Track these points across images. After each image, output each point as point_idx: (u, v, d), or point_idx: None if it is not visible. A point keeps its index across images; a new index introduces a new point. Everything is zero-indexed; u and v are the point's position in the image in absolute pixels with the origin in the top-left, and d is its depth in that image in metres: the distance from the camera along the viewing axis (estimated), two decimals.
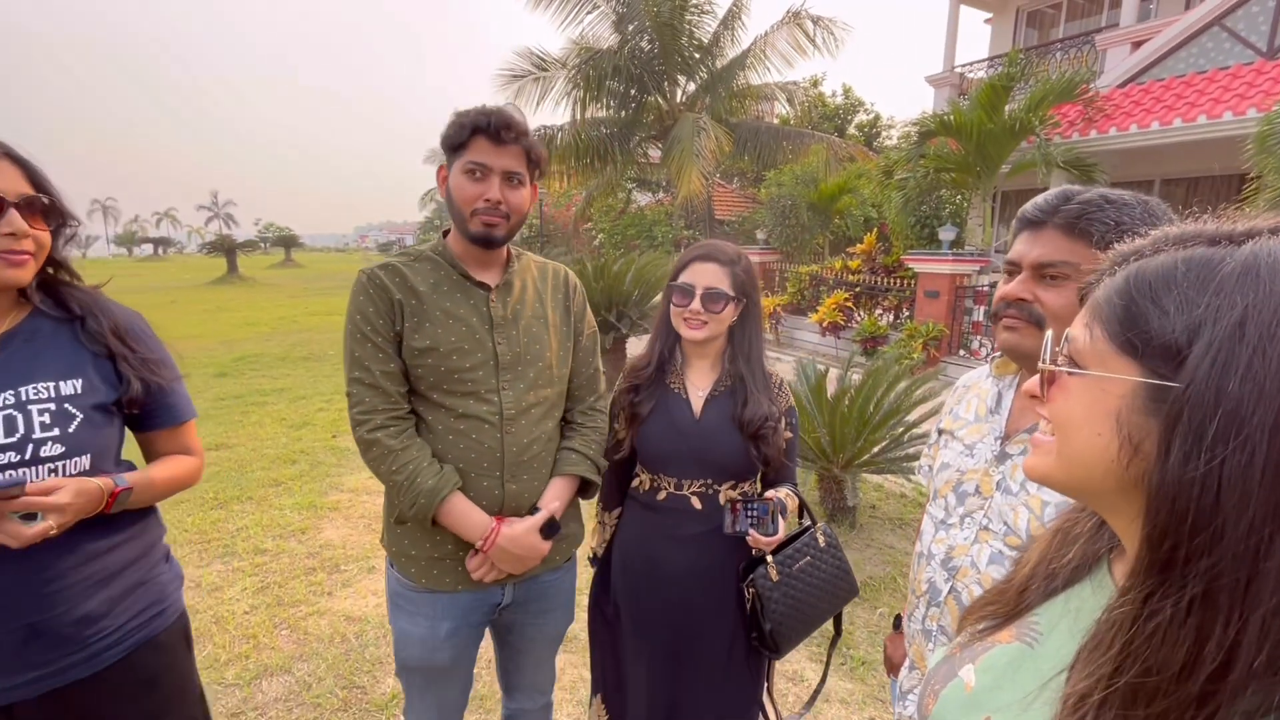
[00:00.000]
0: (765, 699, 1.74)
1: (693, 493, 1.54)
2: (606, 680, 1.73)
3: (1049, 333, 0.54)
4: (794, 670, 2.58)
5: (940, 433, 1.20)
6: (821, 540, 1.57)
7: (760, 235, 12.72)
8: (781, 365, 7.03)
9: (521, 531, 1.36)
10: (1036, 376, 0.55)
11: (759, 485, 1.64)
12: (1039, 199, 0.99)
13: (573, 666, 2.61)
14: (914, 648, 1.15)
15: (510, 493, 1.38)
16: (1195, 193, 9.57)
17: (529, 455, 1.40)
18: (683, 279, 1.53)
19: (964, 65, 12.32)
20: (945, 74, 12.11)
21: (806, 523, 1.62)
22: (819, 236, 12.40)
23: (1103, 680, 0.43)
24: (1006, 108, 8.16)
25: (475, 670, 1.74)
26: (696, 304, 1.50)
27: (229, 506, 4.09)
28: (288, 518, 3.92)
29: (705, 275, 1.52)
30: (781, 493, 1.55)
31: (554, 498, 1.42)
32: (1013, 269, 1.00)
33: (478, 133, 1.30)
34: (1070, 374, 0.50)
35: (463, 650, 1.48)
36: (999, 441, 1.06)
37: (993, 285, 8.00)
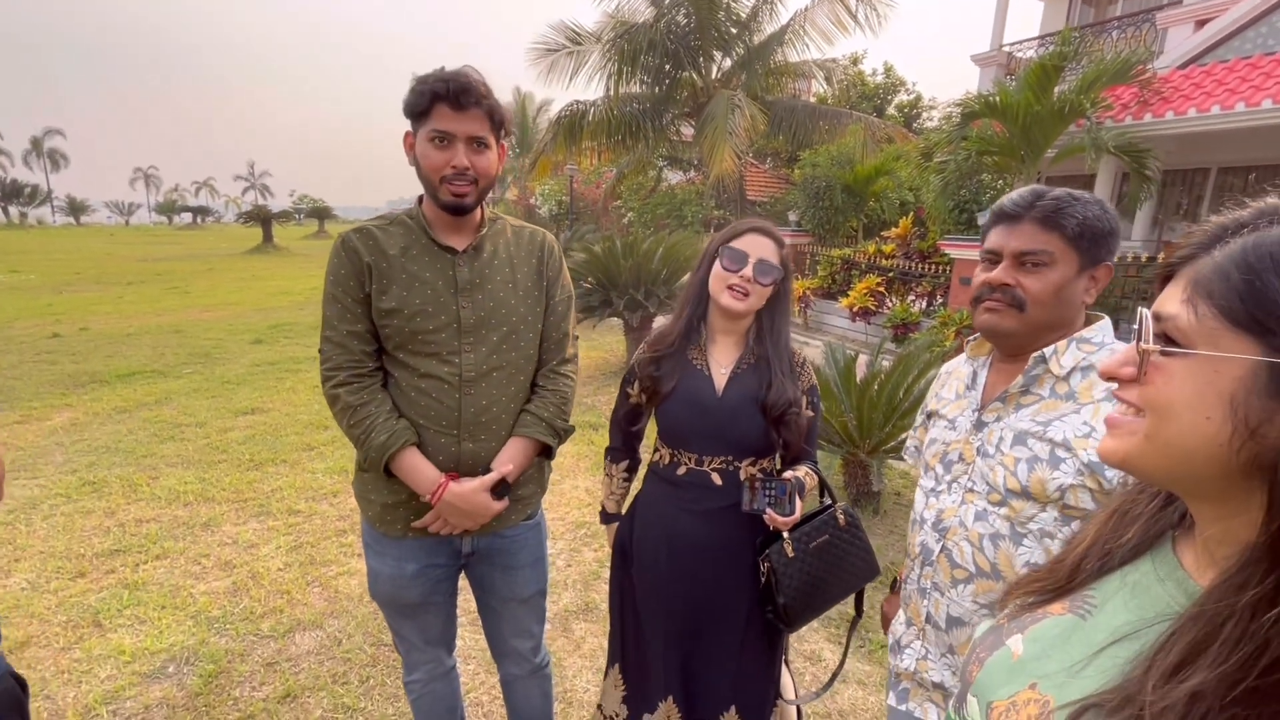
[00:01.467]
0: (783, 674, 1.75)
1: (713, 469, 1.54)
2: (625, 651, 1.76)
3: (1144, 311, 0.50)
4: (812, 650, 2.60)
5: (928, 415, 1.33)
6: (842, 519, 1.56)
7: (792, 217, 12.50)
8: (810, 350, 6.95)
9: (470, 490, 1.41)
10: (1114, 357, 0.53)
11: (779, 462, 1.64)
12: (1014, 195, 1.12)
13: (593, 636, 2.65)
14: (910, 606, 1.27)
15: (466, 451, 1.43)
16: (1256, 181, 9.12)
17: (488, 417, 1.44)
18: (736, 245, 1.51)
19: (1012, 44, 11.83)
20: (992, 53, 11.66)
21: (827, 502, 1.61)
22: (853, 219, 12.15)
23: (1224, 669, 0.41)
24: (1056, 89, 7.83)
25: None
26: (749, 270, 1.49)
27: (264, 468, 4.23)
28: (320, 481, 4.04)
29: (760, 247, 1.51)
30: (801, 471, 1.56)
31: (508, 459, 1.46)
32: (993, 258, 1.12)
33: (438, 99, 1.31)
34: (1177, 354, 0.47)
35: (433, 589, 1.55)
36: (975, 413, 1.18)
37: None
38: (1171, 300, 0.49)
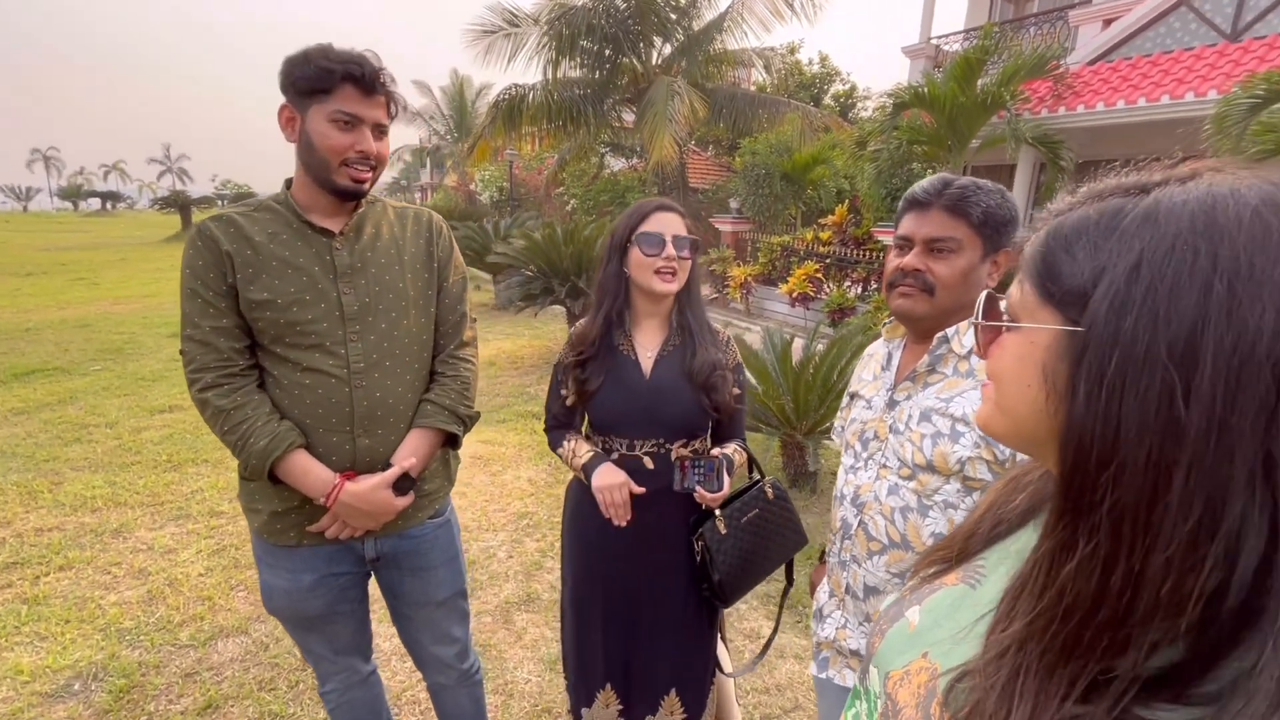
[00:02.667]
0: (719, 651, 1.78)
1: (645, 452, 1.54)
2: (566, 643, 1.75)
3: (984, 293, 0.55)
4: (752, 629, 2.66)
5: (851, 397, 1.37)
6: (770, 493, 1.60)
7: (733, 204, 12.64)
8: (751, 335, 7.08)
9: (368, 488, 1.33)
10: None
11: (709, 443, 1.66)
12: (924, 183, 1.16)
13: (534, 626, 2.64)
14: (832, 577, 1.31)
15: (363, 448, 1.35)
16: None
17: (384, 409, 1.37)
18: (647, 229, 1.50)
19: (940, 37, 12.26)
20: (921, 45, 12.06)
21: (756, 477, 1.65)
22: (792, 207, 12.39)
23: (1031, 617, 0.44)
24: (979, 82, 8.17)
25: None
26: (671, 249, 1.48)
27: (183, 469, 3.99)
28: None
29: (670, 224, 1.51)
30: (729, 449, 1.58)
31: (409, 453, 1.39)
32: (905, 244, 1.17)
33: (348, 80, 1.24)
34: (1005, 328, 0.51)
35: (337, 599, 1.46)
36: (889, 392, 1.22)
37: None
38: (1015, 281, 0.53)
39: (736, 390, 1.63)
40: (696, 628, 1.65)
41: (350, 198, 1.33)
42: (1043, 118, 8.66)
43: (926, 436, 1.12)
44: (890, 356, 1.28)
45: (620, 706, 1.68)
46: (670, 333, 1.59)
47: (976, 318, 0.55)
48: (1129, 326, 0.39)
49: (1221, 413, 0.36)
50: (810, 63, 19.55)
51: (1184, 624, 0.38)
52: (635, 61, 13.49)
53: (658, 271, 1.49)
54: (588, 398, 1.56)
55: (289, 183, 1.37)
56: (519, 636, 2.58)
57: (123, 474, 3.89)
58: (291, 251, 1.31)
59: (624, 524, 1.48)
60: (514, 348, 7.67)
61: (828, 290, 9.57)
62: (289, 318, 1.29)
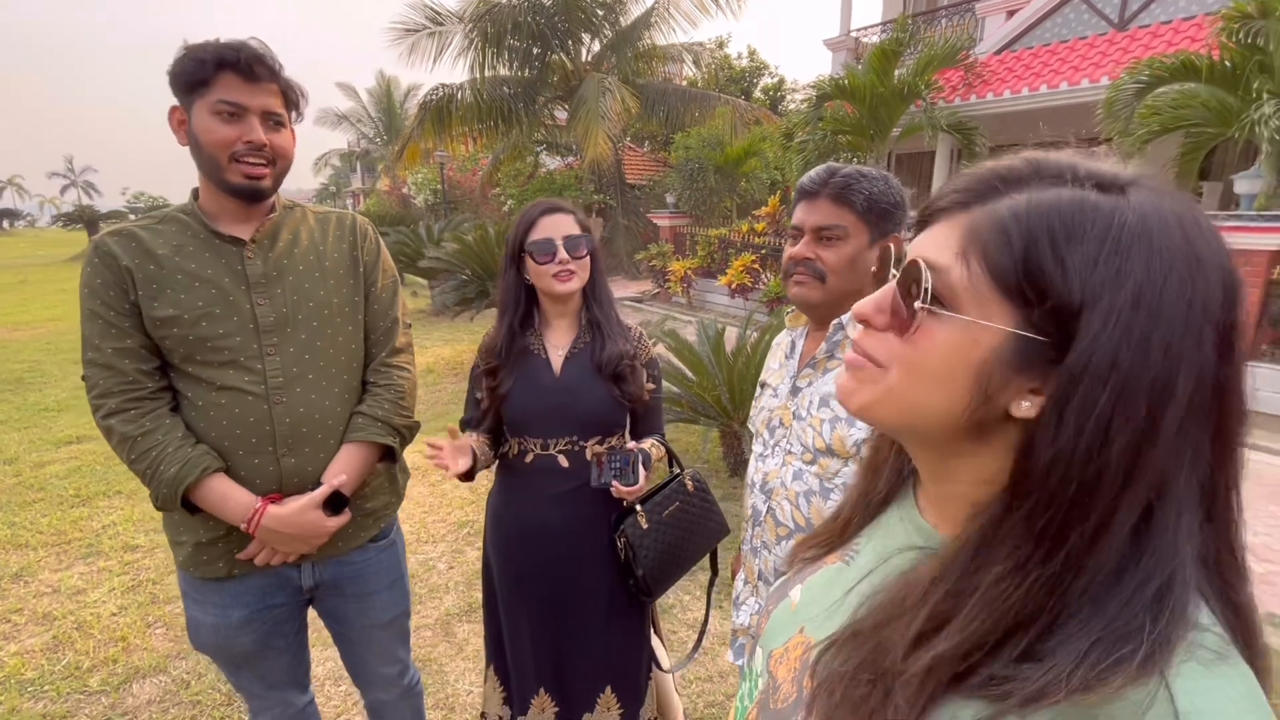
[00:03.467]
0: (654, 645, 1.79)
1: (559, 451, 1.54)
2: (495, 648, 1.73)
3: (921, 264, 0.46)
4: (695, 619, 2.69)
5: (761, 385, 1.37)
6: (690, 485, 1.62)
7: (670, 199, 12.73)
8: (691, 329, 7.14)
9: (294, 511, 1.25)
10: (870, 301, 0.50)
11: (627, 438, 1.67)
12: (811, 173, 1.18)
13: (475, 637, 2.59)
14: (746, 565, 1.34)
15: (289, 468, 1.28)
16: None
17: (310, 426, 1.29)
18: (536, 236, 1.50)
19: (859, 30, 12.66)
20: (842, 38, 12.42)
21: (676, 471, 1.67)
22: (727, 200, 12.56)
23: (963, 641, 0.42)
24: (896, 72, 8.49)
25: None
26: (563, 253, 1.48)
27: (93, 503, 3.74)
28: None
29: (559, 226, 1.51)
30: (646, 444, 1.60)
31: (340, 469, 1.31)
32: (797, 233, 1.19)
33: (225, 68, 1.16)
34: (945, 316, 0.44)
35: (270, 633, 1.38)
36: (792, 379, 1.25)
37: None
38: (943, 249, 0.45)
39: (651, 385, 1.64)
40: (626, 624, 1.65)
41: (249, 197, 1.24)
42: (956, 105, 9.07)
43: (826, 421, 1.15)
44: (794, 345, 1.30)
45: (556, 709, 1.67)
46: (580, 330, 1.59)
47: (917, 296, 0.46)
48: (1126, 360, 0.38)
49: (1177, 441, 0.39)
50: (739, 57, 19.83)
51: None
52: (565, 59, 13.39)
53: (555, 275, 1.49)
54: (501, 400, 1.55)
55: (196, 192, 1.29)
56: (460, 649, 2.53)
57: (23, 513, 3.62)
58: (199, 263, 1.23)
59: (451, 471, 1.42)
60: (452, 353, 7.51)
61: (765, 280, 9.76)
62: (198, 333, 1.21)
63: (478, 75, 12.60)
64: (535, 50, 13.15)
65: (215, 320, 1.22)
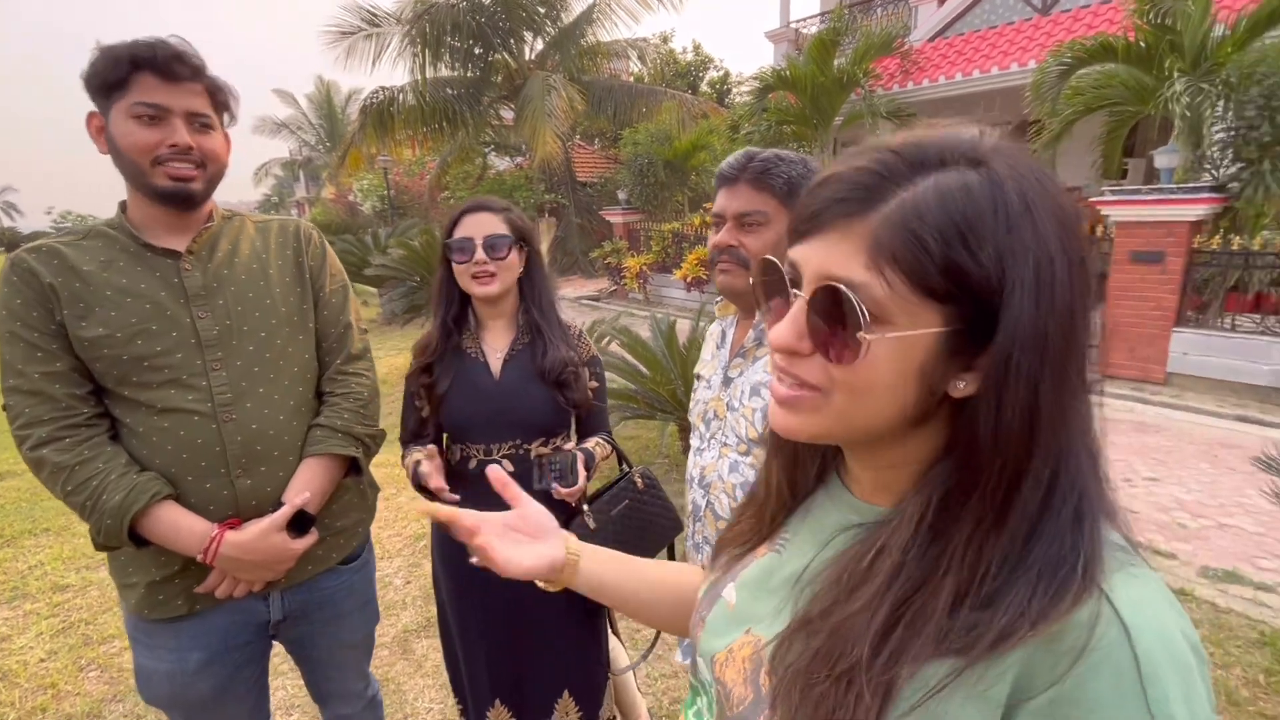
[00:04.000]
0: (614, 645, 1.77)
1: (503, 455, 1.50)
2: (450, 662, 1.69)
3: (850, 294, 0.44)
4: None
5: (697, 378, 1.36)
6: (640, 482, 1.60)
7: (621, 195, 12.70)
8: (647, 325, 7.12)
9: (256, 535, 1.17)
10: (786, 331, 0.48)
11: (573, 438, 1.64)
12: (730, 159, 1.16)
13: (434, 652, 2.53)
14: (689, 561, 1.33)
15: (246, 490, 1.20)
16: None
17: (264, 443, 1.22)
18: (458, 234, 1.46)
19: (799, 21, 12.83)
20: (782, 29, 12.57)
21: (626, 469, 1.64)
22: (678, 194, 12.60)
23: (885, 597, 0.45)
24: (835, 62, 8.63)
25: None
26: (480, 254, 1.44)
27: (18, 543, 3.52)
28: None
29: (481, 225, 1.46)
30: (590, 443, 1.57)
31: (302, 487, 1.23)
32: (719, 221, 1.16)
33: (141, 68, 1.09)
34: (873, 337, 0.44)
35: (232, 678, 1.28)
36: (724, 370, 1.23)
37: None
38: (850, 264, 0.44)
39: (594, 384, 1.61)
40: (579, 627, 1.63)
41: (178, 202, 1.16)
42: (894, 93, 9.28)
43: (757, 410, 1.13)
44: (724, 334, 1.29)
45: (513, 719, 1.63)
46: (519, 332, 1.55)
47: (822, 319, 0.46)
48: (1045, 326, 0.42)
49: (1084, 382, 0.44)
50: (684, 51, 19.92)
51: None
52: (508, 58, 13.22)
53: (473, 276, 1.45)
54: (439, 403, 1.50)
55: (123, 205, 1.20)
56: (419, 665, 2.47)
57: None
58: (130, 278, 1.14)
59: (445, 496, 1.41)
60: (404, 363, 7.30)
61: None
62: (133, 353, 1.12)
63: (418, 77, 12.33)
64: (477, 50, 12.94)
65: (152, 337, 1.14)
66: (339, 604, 1.38)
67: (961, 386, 0.45)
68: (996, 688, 0.40)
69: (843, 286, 0.44)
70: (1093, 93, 6.11)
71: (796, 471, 0.63)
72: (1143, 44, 5.86)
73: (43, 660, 2.54)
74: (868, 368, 0.45)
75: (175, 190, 1.14)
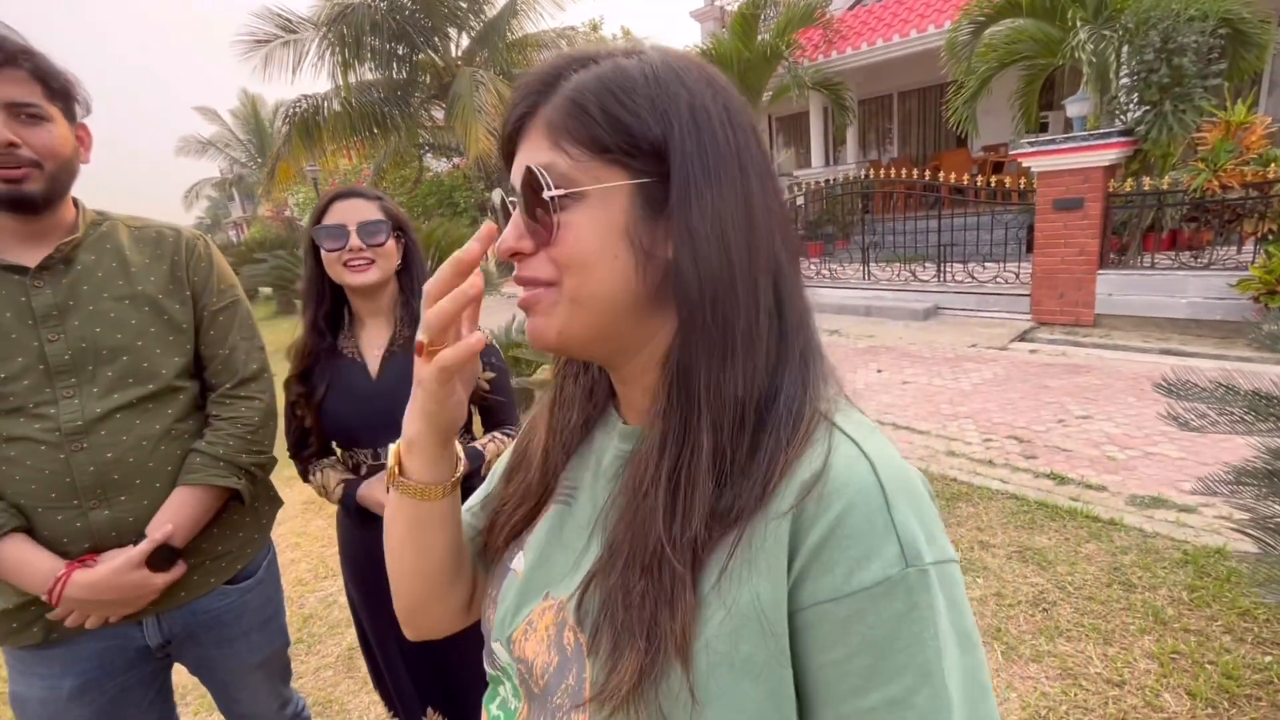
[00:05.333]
0: None
1: None
2: (375, 675, 1.65)
3: (537, 171, 0.47)
4: None
5: None
6: None
7: None
8: None
9: (108, 574, 1.10)
10: (508, 236, 0.50)
11: (477, 434, 1.59)
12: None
13: None
14: None
15: (102, 521, 1.13)
16: (925, 101, 10.97)
17: (122, 471, 1.14)
18: (328, 221, 1.38)
19: None
20: (707, 8, 12.58)
21: None
22: None
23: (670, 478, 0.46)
24: (759, 37, 8.66)
25: None
26: (355, 240, 1.36)
27: None
28: None
29: (353, 211, 1.39)
30: (484, 440, 1.52)
31: (167, 518, 1.17)
32: None
33: None
34: (573, 199, 0.46)
35: (113, 702, 1.21)
36: None
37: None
38: (538, 152, 0.47)
39: (491, 374, 1.56)
40: None
41: (15, 208, 1.06)
42: (820, 63, 9.38)
43: None
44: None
45: None
46: (398, 326, 1.48)
47: (538, 204, 0.47)
48: (710, 162, 0.45)
49: (765, 196, 0.47)
50: (614, 37, 19.76)
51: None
52: (434, 56, 12.89)
53: (346, 264, 1.38)
54: (316, 409, 1.43)
55: None
56: (364, 684, 2.39)
57: None
58: None
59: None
60: None
61: None
62: None
63: (340, 82, 11.95)
64: (400, 50, 12.59)
65: None
66: (230, 625, 1.32)
67: (672, 246, 0.46)
68: (776, 536, 0.43)
69: (531, 166, 0.47)
70: (1004, 48, 6.26)
71: (567, 416, 0.61)
72: None
73: None
74: (574, 238, 0.47)
75: (5, 194, 1.04)
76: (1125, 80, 5.64)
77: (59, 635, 1.15)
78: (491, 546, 0.64)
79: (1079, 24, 5.50)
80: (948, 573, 0.42)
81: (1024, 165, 6.02)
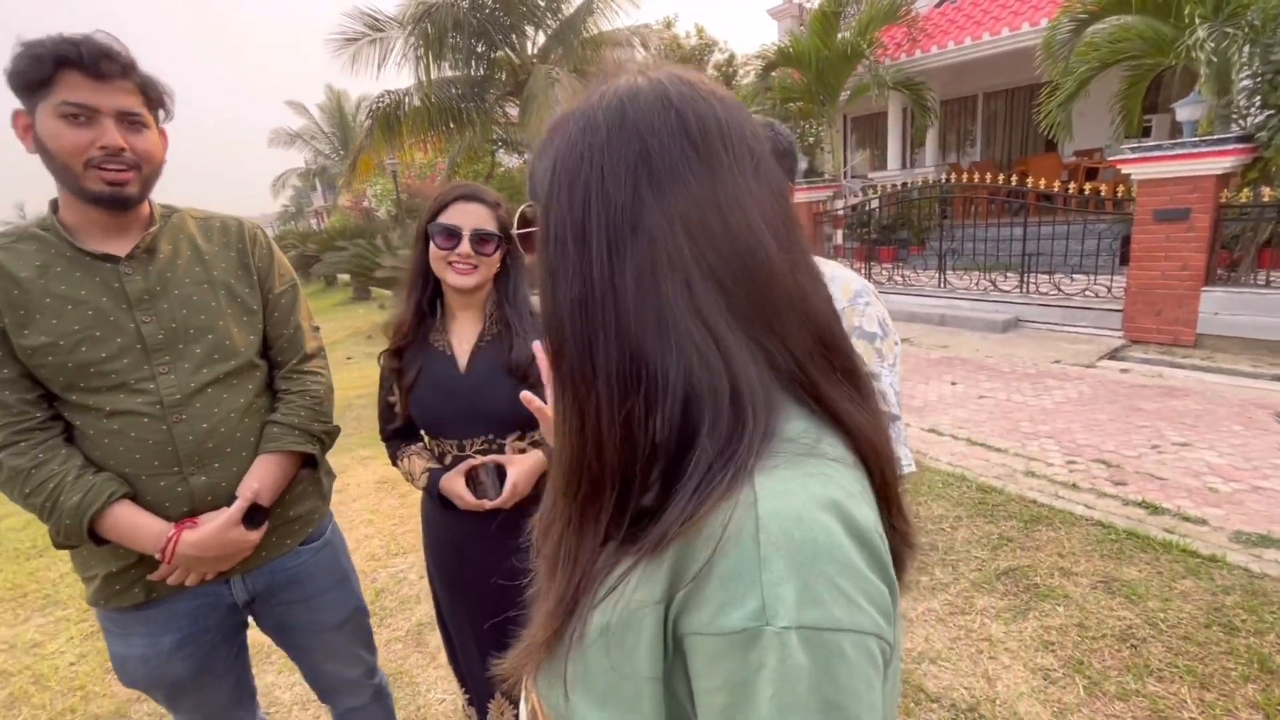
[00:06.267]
0: None
1: (477, 450, 1.48)
2: (450, 653, 1.70)
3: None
4: None
5: None
6: None
7: None
8: None
9: (211, 533, 1.20)
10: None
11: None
12: None
13: None
14: None
15: (200, 487, 1.23)
16: (1013, 102, 10.43)
17: (216, 441, 1.24)
18: (445, 220, 1.41)
19: None
20: (784, 5, 12.35)
21: None
22: None
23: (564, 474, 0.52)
24: (840, 34, 8.44)
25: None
26: (465, 246, 1.40)
27: (50, 554, 3.64)
28: None
29: (471, 216, 1.42)
30: (519, 446, 1.51)
31: (255, 480, 1.27)
32: None
33: (66, 65, 1.06)
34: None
35: (208, 657, 1.32)
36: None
37: (851, 209, 8.42)
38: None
39: None
40: None
41: (113, 206, 1.15)
42: (901, 62, 9.05)
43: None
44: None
45: (514, 712, 1.63)
46: (486, 325, 1.52)
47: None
48: (555, 215, 0.50)
49: (611, 271, 0.47)
50: (688, 36, 19.66)
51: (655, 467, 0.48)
52: (511, 54, 13.18)
53: (452, 265, 1.41)
54: (406, 394, 1.49)
55: (54, 204, 1.20)
56: (433, 658, 2.49)
57: None
58: (69, 284, 1.14)
59: (489, 507, 1.43)
60: None
61: None
62: (78, 359, 1.13)
63: (423, 78, 12.39)
64: (480, 48, 12.94)
65: (95, 344, 1.14)
66: (307, 583, 1.42)
67: None
68: (655, 578, 0.45)
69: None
70: (1108, 47, 5.87)
71: None
72: None
73: (72, 664, 2.63)
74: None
75: (110, 195, 1.12)
76: (1246, 82, 5.19)
77: (157, 594, 1.24)
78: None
79: (1197, 21, 5.10)
80: (820, 639, 0.40)
81: (1123, 172, 5.64)
